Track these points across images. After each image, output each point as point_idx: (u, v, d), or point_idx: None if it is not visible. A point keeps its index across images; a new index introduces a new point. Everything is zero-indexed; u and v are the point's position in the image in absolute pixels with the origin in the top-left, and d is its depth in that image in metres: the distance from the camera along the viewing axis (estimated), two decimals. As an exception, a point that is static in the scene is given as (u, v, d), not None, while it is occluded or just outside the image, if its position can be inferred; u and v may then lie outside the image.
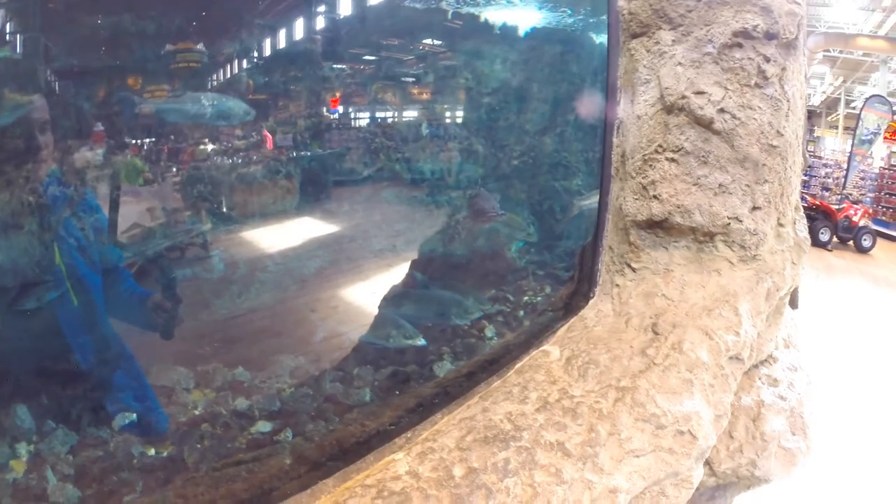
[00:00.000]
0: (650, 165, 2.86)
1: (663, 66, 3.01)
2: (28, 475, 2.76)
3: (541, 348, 2.63)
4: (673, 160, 2.84)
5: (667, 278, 2.74)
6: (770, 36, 3.00)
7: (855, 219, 19.97)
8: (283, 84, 4.30)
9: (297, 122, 4.28)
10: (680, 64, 3.00)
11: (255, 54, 4.36)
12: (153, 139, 3.83)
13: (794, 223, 3.44)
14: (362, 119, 4.38)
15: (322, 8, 4.36)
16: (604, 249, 3.13)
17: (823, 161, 27.65)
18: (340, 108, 4.59)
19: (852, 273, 17.17)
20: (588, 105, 3.88)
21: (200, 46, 4.12)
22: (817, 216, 19.60)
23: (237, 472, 2.33)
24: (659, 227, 2.84)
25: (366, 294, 4.04)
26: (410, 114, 4.28)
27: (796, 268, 3.30)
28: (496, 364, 2.71)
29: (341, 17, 4.39)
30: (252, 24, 4.03)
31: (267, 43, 4.13)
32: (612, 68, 3.14)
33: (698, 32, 2.97)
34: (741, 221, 2.90)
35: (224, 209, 3.72)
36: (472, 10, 4.47)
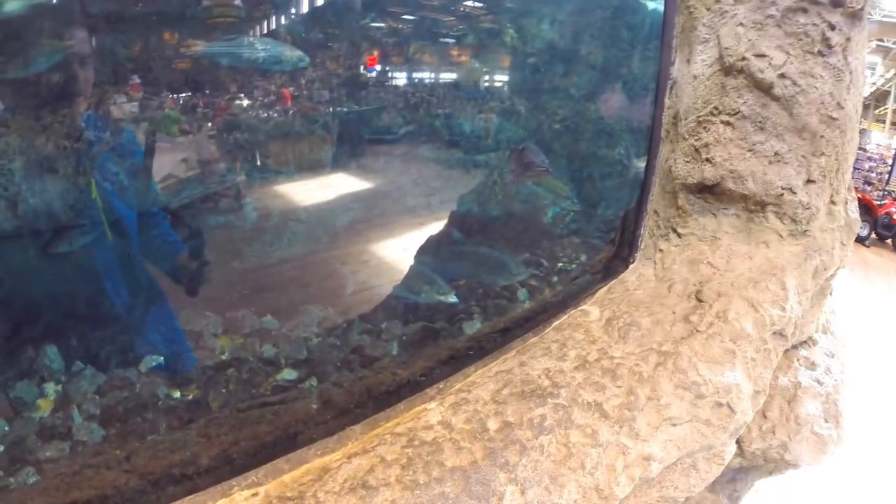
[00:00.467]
0: (704, 128, 2.72)
1: (724, 26, 2.84)
2: (55, 414, 2.79)
3: (580, 308, 2.54)
4: (728, 123, 2.70)
5: (713, 246, 2.62)
6: (836, 3, 2.82)
7: (896, 217, 19.29)
8: (321, 39, 4.21)
9: (333, 78, 4.20)
10: (741, 24, 2.83)
11: (293, 10, 4.28)
12: (191, 89, 3.80)
13: (846, 203, 3.26)
14: (400, 76, 4.28)
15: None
16: (648, 213, 3.01)
17: (868, 154, 26.68)
18: (378, 67, 4.50)
19: (888, 271, 16.62)
20: (638, 70, 3.72)
21: (238, 1, 4.05)
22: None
23: (262, 415, 2.30)
24: (709, 193, 2.71)
25: (397, 250, 3.99)
26: (451, 70, 4.16)
27: (845, 249, 3.15)
28: (532, 321, 2.63)
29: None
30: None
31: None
32: (669, 26, 2.98)
33: (763, -9, 2.80)
34: (795, 193, 2.76)
35: (259, 160, 3.68)
36: (521, -36, 4.30)
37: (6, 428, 2.64)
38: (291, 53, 4.05)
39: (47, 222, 3.24)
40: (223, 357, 3.22)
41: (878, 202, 19.83)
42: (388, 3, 4.30)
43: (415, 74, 4.27)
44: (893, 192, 22.11)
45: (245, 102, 4.02)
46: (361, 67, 4.47)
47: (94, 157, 3.42)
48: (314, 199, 4.05)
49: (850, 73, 2.93)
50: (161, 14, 3.78)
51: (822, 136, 2.82)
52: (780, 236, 2.69)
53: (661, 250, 2.77)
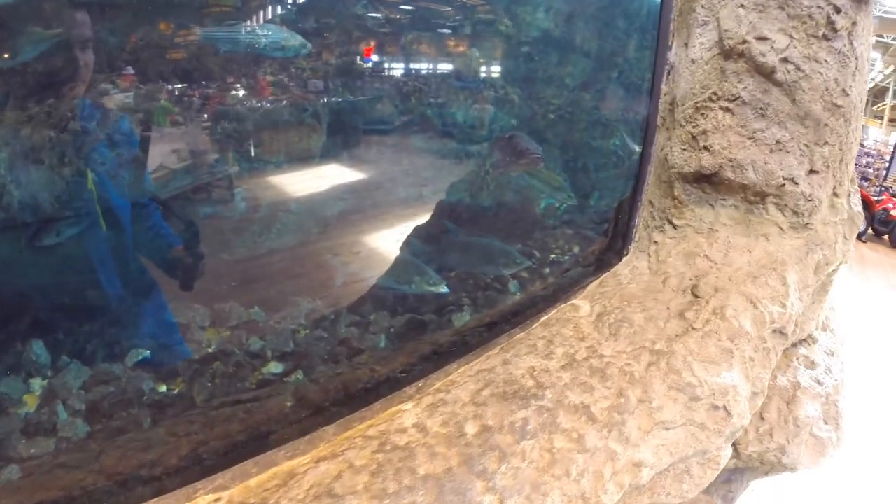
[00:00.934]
0: (702, 114, 2.51)
1: (724, 8, 2.63)
2: (40, 410, 2.65)
3: (569, 302, 2.35)
4: (728, 110, 2.49)
5: (711, 238, 2.42)
6: (842, -16, 2.61)
7: (893, 212, 18.92)
8: (315, 29, 4.02)
9: (327, 67, 4.01)
10: (742, 6, 2.62)
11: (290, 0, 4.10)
12: (185, 78, 3.62)
13: (849, 195, 3.06)
14: (395, 66, 4.08)
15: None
16: (643, 204, 2.82)
17: (865, 149, 26.27)
18: (374, 57, 4.30)
19: (885, 267, 16.26)
20: (633, 55, 3.51)
21: (233, -10, 3.88)
22: (854, 204, 18.54)
23: (234, 413, 2.14)
24: (707, 182, 2.51)
25: (389, 241, 3.82)
26: (444, 58, 3.96)
27: (847, 244, 2.94)
28: (520, 316, 2.45)
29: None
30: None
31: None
32: (666, 9, 2.77)
33: (766, -30, 2.59)
34: (797, 184, 2.55)
35: (248, 150, 3.50)
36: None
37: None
38: (294, 40, 3.85)
39: (33, 214, 3.08)
40: (209, 350, 3.06)
41: (875, 198, 19.46)
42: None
43: (408, 64, 4.08)
44: (891, 187, 21.73)
45: (241, 92, 3.86)
46: (357, 57, 4.29)
47: (90, 146, 3.26)
48: (306, 189, 3.88)
49: (856, 58, 2.72)
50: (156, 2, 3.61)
51: (825, 125, 2.61)
52: (781, 229, 2.49)
53: (655, 242, 2.58)
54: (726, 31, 2.57)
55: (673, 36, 2.74)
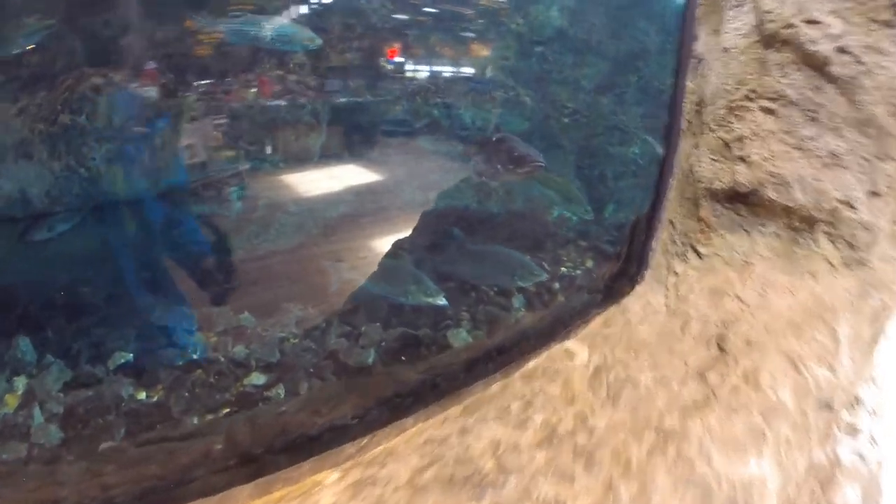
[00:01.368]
0: (737, 116, 1.84)
1: (769, -12, 1.94)
2: (19, 411, 2.26)
3: (565, 344, 1.75)
4: (769, 111, 1.81)
5: (744, 274, 1.76)
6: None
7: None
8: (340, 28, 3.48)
9: (345, 67, 3.47)
10: (793, -13, 1.92)
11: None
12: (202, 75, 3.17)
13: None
14: (409, 68, 3.49)
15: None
16: (662, 224, 2.16)
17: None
18: (398, 58, 3.74)
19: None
20: (654, 46, 2.83)
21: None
22: None
23: (154, 453, 1.64)
24: (742, 203, 1.84)
25: (393, 245, 3.27)
26: (453, 58, 3.35)
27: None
28: (505, 354, 1.86)
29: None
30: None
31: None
32: (694, -10, 2.09)
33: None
34: (854, 208, 1.84)
35: (252, 149, 3.02)
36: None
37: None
38: (302, 33, 3.33)
39: (23, 209, 2.68)
40: (194, 356, 2.61)
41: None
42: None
43: (416, 63, 3.48)
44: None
45: (252, 90, 3.38)
46: (381, 60, 3.72)
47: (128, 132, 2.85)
48: (313, 189, 3.37)
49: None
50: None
51: (891, 134, 1.89)
52: (832, 265, 1.80)
53: (675, 273, 1.93)
54: (767, 12, 1.87)
55: (700, 23, 2.05)
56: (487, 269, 3.23)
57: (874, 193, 1.87)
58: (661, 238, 2.10)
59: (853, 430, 1.79)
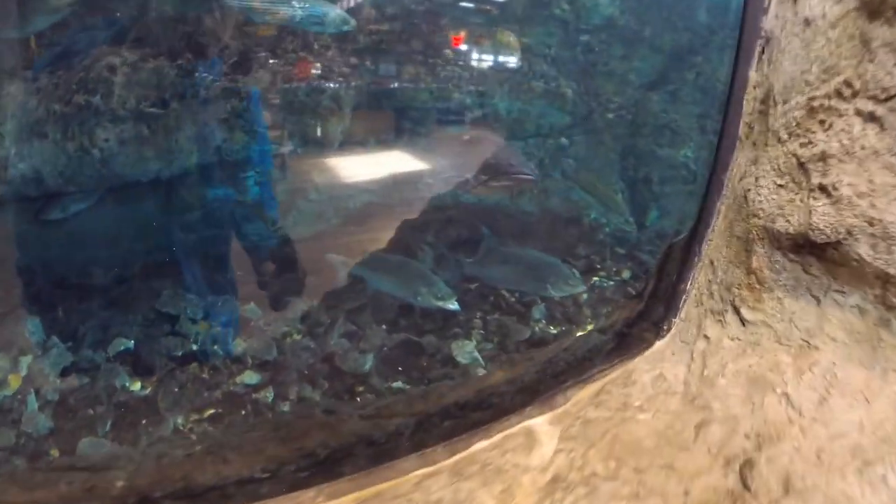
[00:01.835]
0: (821, 122, 1.11)
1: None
2: (16, 395, 2.11)
3: (531, 421, 1.21)
4: (873, 117, 1.06)
5: (803, 361, 1.08)
6: None
7: None
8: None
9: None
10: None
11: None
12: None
13: None
14: (441, 54, 2.88)
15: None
16: (702, 261, 1.48)
17: None
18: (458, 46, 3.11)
19: None
20: (716, 50, 2.00)
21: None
22: None
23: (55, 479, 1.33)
24: (816, 256, 1.13)
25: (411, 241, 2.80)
26: (489, 44, 2.69)
27: None
28: (464, 415, 1.35)
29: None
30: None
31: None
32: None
33: None
34: None
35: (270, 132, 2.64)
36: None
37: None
38: (334, 14, 2.83)
39: (36, 188, 2.47)
40: (193, 347, 2.35)
41: None
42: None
43: (450, 44, 2.85)
44: None
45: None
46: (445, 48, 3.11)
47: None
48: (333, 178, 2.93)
49: None
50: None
51: None
52: (948, 357, 1.07)
53: (706, 337, 1.28)
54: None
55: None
56: (517, 273, 2.64)
57: None
58: (699, 281, 1.43)
59: None
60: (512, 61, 2.69)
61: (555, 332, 2.49)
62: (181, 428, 1.90)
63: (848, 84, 1.05)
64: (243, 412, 1.99)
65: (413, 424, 1.35)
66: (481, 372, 2.22)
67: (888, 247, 1.02)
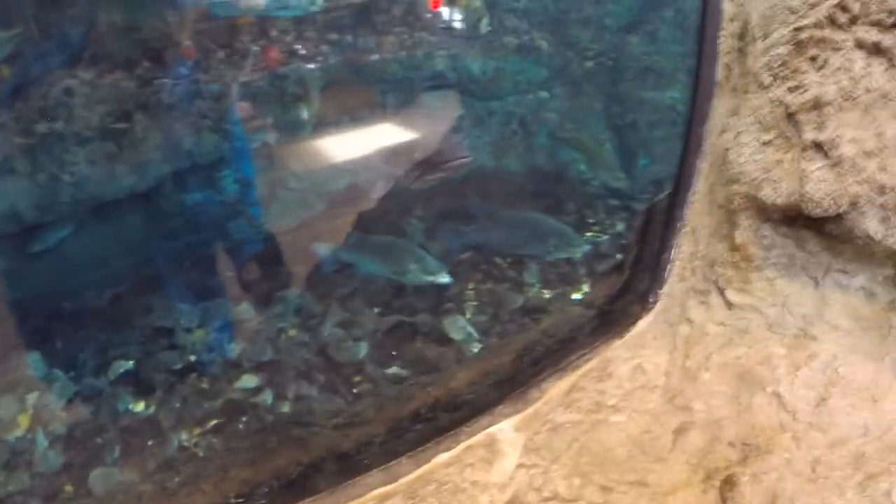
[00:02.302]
0: (812, 58, 0.84)
1: None
2: (26, 435, 2.07)
3: (496, 427, 1.07)
4: (878, 50, 0.79)
5: (798, 353, 0.89)
6: None
7: None
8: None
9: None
10: None
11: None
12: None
13: None
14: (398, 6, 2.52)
15: None
16: (685, 225, 1.25)
17: None
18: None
19: None
20: None
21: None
22: None
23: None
24: (813, 230, 0.90)
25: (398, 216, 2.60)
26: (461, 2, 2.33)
27: None
28: (436, 417, 1.22)
29: None
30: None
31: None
32: None
33: None
34: None
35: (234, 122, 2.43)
36: None
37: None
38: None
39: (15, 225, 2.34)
40: (191, 358, 2.28)
41: None
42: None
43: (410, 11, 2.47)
44: None
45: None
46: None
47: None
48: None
49: None
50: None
51: None
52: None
53: (690, 321, 1.08)
54: None
55: None
56: (520, 238, 2.44)
57: None
58: (682, 251, 1.22)
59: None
60: (482, 19, 2.34)
61: (549, 295, 2.32)
62: (185, 444, 1.86)
63: (843, 7, 0.78)
64: (244, 419, 1.94)
65: (384, 432, 1.25)
66: (476, 347, 2.10)
67: (903, 213, 0.79)
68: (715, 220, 1.08)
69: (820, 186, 0.83)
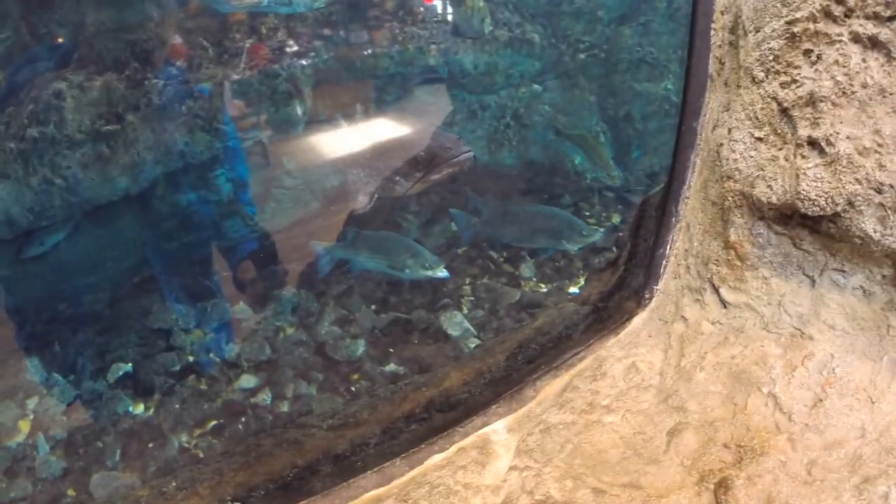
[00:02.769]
0: (806, 52, 0.81)
1: None
2: (27, 441, 2.05)
3: (489, 427, 1.06)
4: (876, 43, 0.76)
5: (794, 353, 0.86)
6: None
7: None
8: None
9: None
10: None
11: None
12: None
13: None
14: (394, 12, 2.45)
15: None
16: (679, 221, 1.23)
17: None
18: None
19: None
20: None
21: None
22: None
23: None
24: (808, 227, 0.87)
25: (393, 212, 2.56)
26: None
27: None
28: (430, 417, 1.21)
29: None
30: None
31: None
32: None
33: None
34: None
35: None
36: None
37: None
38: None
39: (9, 230, 2.27)
40: (190, 359, 2.25)
41: None
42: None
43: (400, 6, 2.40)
44: None
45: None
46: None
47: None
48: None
49: None
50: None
51: None
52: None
53: (684, 319, 1.06)
54: None
55: None
56: (530, 231, 2.41)
57: None
58: (676, 247, 1.19)
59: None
60: (473, 13, 2.29)
61: (545, 289, 2.30)
62: (186, 445, 1.85)
63: (839, 0, 0.74)
64: (243, 419, 1.93)
65: (379, 433, 1.23)
66: (474, 343, 2.08)
67: (900, 213, 0.76)
68: (709, 217, 1.05)
69: (815, 185, 0.80)
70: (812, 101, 0.82)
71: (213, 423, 1.94)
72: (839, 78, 0.78)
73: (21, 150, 2.09)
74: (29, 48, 2.15)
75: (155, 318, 2.25)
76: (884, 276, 0.79)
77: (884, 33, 0.71)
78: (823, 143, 0.79)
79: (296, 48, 2.39)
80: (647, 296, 1.31)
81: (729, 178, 0.96)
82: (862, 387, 0.79)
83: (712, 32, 1.00)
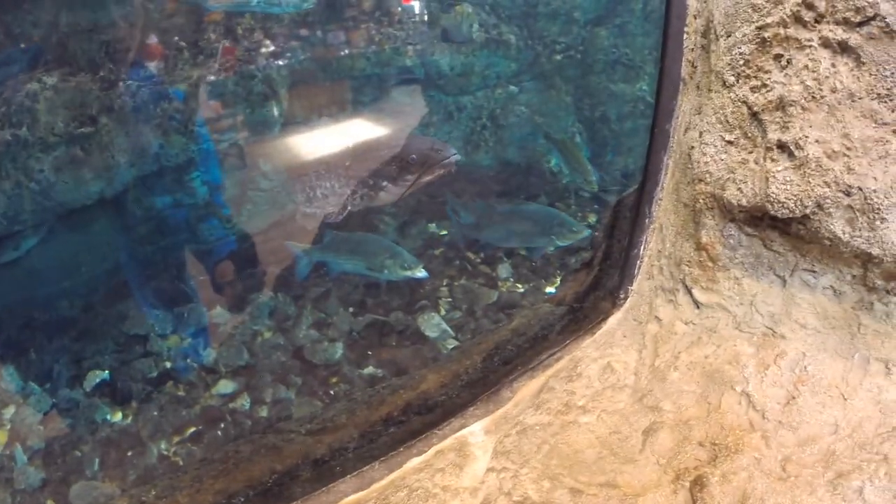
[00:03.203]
0: (776, 56, 0.80)
1: None
2: (4, 451, 1.93)
3: (467, 430, 1.03)
4: (846, 48, 0.75)
5: (766, 352, 0.86)
6: None
7: None
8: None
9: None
10: None
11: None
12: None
13: None
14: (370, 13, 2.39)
15: None
16: (652, 222, 1.22)
17: None
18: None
19: None
20: None
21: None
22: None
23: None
24: (778, 229, 0.87)
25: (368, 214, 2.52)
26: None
27: None
28: (408, 420, 1.18)
29: None
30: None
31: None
32: None
33: None
34: None
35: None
36: None
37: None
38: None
39: None
40: (167, 364, 2.16)
41: None
42: None
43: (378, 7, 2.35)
44: None
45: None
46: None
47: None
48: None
49: None
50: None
51: None
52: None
53: (658, 319, 1.05)
54: None
55: None
56: (520, 230, 2.37)
57: None
58: (650, 248, 1.18)
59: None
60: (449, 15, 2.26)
61: (522, 289, 2.29)
62: (165, 453, 1.77)
63: (809, 5, 0.74)
64: (222, 425, 1.85)
65: (357, 437, 1.19)
66: (451, 344, 2.05)
67: (870, 221, 0.75)
68: (681, 219, 1.05)
69: (785, 188, 0.80)
70: (782, 105, 0.82)
71: (192, 429, 1.86)
72: (809, 82, 0.78)
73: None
74: (1, 49, 2.02)
75: (131, 323, 2.14)
76: (853, 276, 0.79)
77: (853, 38, 0.71)
78: (793, 147, 0.79)
79: (272, 48, 2.32)
80: (621, 296, 1.30)
81: (700, 180, 0.96)
82: (834, 384, 0.79)
83: (685, 36, 0.99)
